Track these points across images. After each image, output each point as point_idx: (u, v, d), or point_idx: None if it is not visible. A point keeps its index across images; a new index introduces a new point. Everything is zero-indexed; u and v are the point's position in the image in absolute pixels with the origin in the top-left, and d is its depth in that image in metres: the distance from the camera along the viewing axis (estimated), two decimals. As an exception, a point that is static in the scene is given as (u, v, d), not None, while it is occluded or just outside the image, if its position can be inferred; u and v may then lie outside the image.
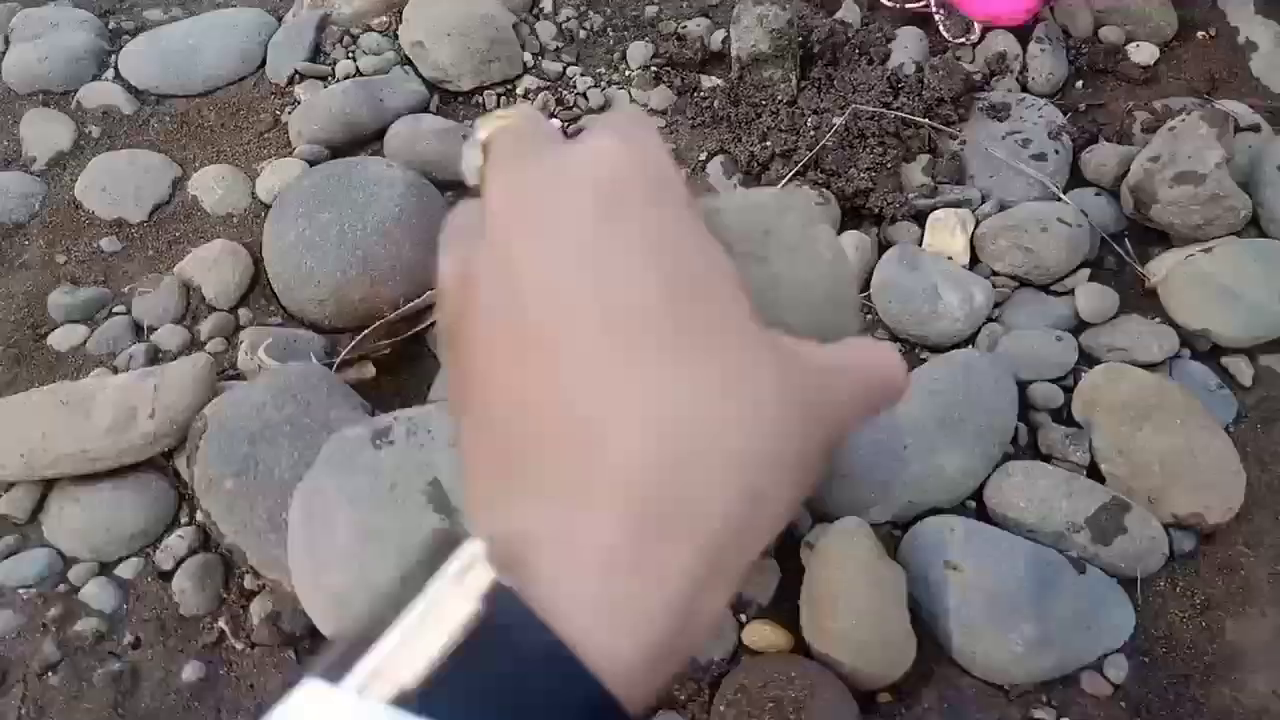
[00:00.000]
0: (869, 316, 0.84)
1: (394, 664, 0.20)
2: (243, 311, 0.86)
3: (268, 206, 0.91)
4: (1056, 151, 0.90)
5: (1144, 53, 1.01)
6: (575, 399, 0.22)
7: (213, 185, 0.94)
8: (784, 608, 0.69)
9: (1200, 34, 1.05)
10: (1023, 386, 0.79)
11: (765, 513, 0.23)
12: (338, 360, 0.80)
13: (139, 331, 0.85)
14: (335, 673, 0.20)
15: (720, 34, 1.01)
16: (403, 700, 0.19)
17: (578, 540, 0.21)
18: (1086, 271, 0.85)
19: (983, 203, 0.88)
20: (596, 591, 0.21)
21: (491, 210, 0.25)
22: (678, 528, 0.21)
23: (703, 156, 0.94)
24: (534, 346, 0.23)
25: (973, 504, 0.75)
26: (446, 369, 0.30)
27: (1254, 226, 0.87)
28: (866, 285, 0.84)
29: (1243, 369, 0.82)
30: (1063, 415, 0.79)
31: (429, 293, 0.82)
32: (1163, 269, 0.85)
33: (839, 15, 1.02)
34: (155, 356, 0.83)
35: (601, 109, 1.00)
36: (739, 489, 0.22)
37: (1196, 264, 0.82)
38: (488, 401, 0.25)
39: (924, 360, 0.81)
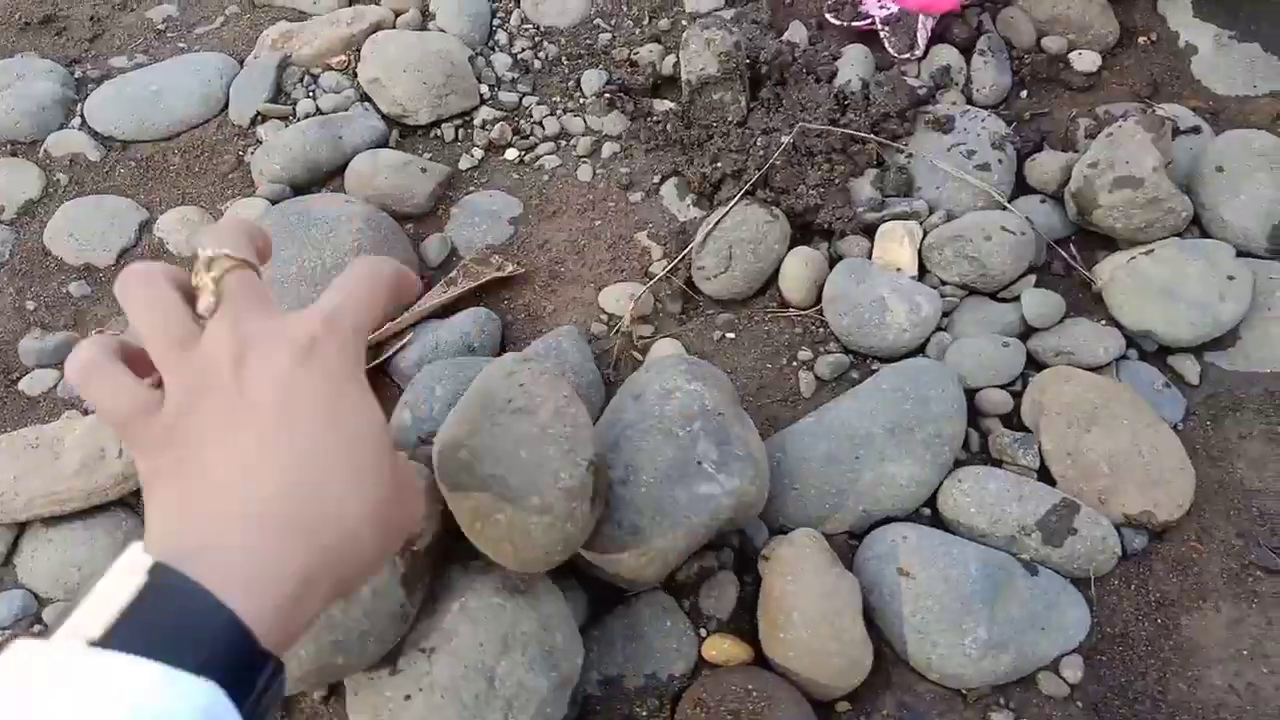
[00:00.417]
0: (822, 330, 0.86)
1: (84, 623, 0.28)
2: (208, 349, 0.87)
3: (232, 246, 0.92)
4: (1000, 161, 0.91)
5: (1086, 60, 1.03)
6: (256, 467, 0.35)
7: (178, 227, 0.95)
8: (743, 620, 0.70)
9: (1142, 39, 1.06)
10: (972, 393, 0.80)
11: (363, 546, 0.36)
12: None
13: (108, 374, 0.86)
14: (42, 634, 0.29)
15: (671, 59, 1.03)
16: (92, 644, 0.28)
17: (232, 542, 0.33)
18: (1032, 278, 0.86)
19: (930, 214, 0.89)
20: (245, 564, 0.32)
21: (223, 342, 0.37)
22: (297, 539, 0.34)
23: (656, 179, 0.96)
24: (244, 431, 0.35)
25: (927, 511, 0.76)
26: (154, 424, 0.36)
27: (1196, 226, 0.88)
28: (818, 299, 0.86)
29: (1189, 367, 0.83)
30: (1012, 420, 0.80)
31: (389, 324, 0.83)
32: (1107, 272, 0.86)
33: (786, 36, 1.03)
34: (123, 398, 0.84)
35: (557, 137, 1.01)
36: (352, 525, 0.36)
37: (1139, 266, 0.83)
38: (206, 465, 0.35)
39: (875, 371, 0.82)
